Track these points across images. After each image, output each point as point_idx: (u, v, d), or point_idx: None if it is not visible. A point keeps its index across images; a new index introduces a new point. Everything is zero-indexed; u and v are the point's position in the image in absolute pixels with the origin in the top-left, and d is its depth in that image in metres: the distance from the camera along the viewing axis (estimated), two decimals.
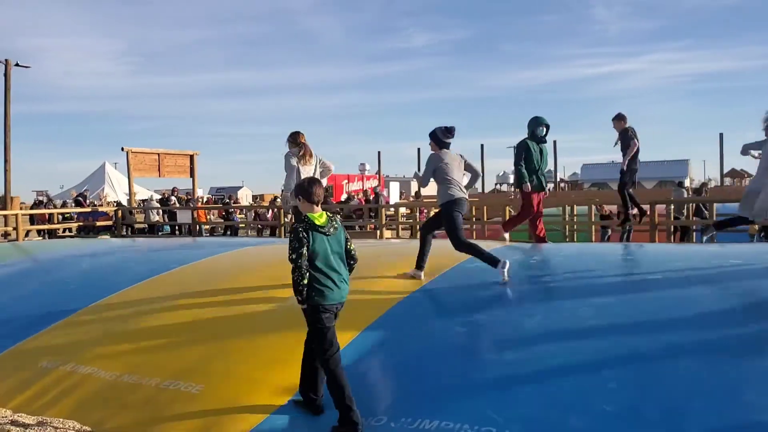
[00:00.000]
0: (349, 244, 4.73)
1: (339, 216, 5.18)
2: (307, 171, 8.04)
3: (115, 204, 29.06)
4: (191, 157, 25.00)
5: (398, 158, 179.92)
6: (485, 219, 16.51)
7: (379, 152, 35.93)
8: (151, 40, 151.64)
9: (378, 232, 17.19)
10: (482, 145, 38.79)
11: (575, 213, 17.32)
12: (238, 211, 23.58)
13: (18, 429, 4.61)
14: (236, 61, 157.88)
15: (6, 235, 19.48)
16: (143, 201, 28.79)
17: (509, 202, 17.47)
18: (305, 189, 4.60)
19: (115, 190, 41.20)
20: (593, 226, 16.06)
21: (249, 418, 4.57)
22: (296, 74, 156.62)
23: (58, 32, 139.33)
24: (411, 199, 37.35)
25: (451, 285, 6.75)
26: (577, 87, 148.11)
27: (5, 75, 29.85)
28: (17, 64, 30.57)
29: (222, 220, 24.55)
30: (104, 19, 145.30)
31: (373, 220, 18.41)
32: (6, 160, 29.23)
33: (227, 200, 34.03)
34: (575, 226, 17.10)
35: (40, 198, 35.13)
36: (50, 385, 5.49)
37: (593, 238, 15.97)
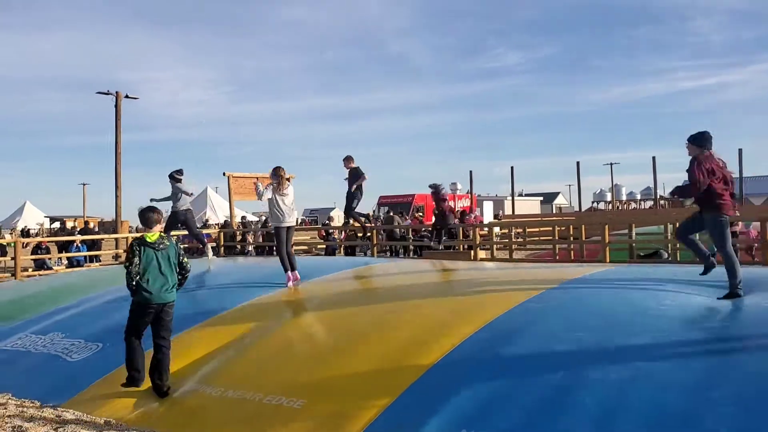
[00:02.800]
0: (182, 258, 6.06)
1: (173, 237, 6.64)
2: (286, 198, 9.49)
3: (218, 226, 30.19)
4: (287, 180, 25.68)
5: (491, 177, 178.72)
6: (583, 238, 16.13)
7: (470, 171, 35.69)
8: (247, 69, 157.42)
9: (472, 252, 17.08)
10: (578, 163, 37.73)
11: None
12: (336, 232, 24.04)
13: None
14: (328, 86, 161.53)
15: (117, 257, 20.58)
16: (243, 223, 29.78)
17: (608, 220, 17.01)
18: (141, 215, 6.13)
19: (216, 213, 42.82)
20: None
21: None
22: (386, 97, 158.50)
23: (160, 65, 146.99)
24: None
25: None
26: (675, 100, 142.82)
27: (116, 106, 31.72)
28: (127, 96, 32.48)
29: (322, 241, 25.03)
30: (203, 50, 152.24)
31: (467, 240, 18.32)
32: (117, 186, 30.95)
33: (326, 221, 34.68)
34: (678, 245, 16.45)
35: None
36: (161, 400, 5.77)
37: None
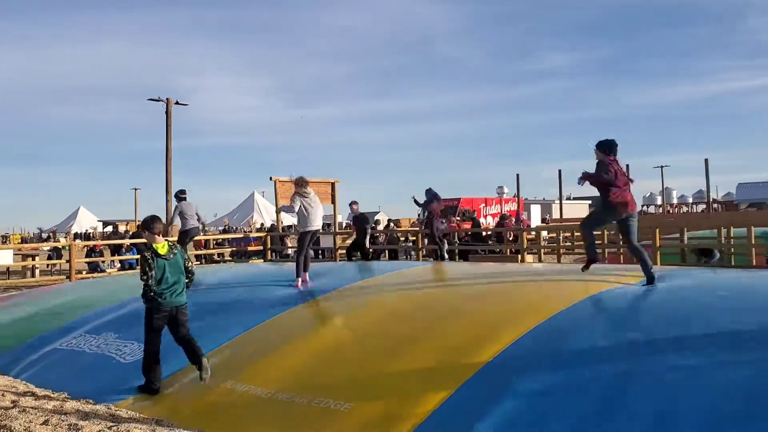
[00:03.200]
0: (188, 263, 6.62)
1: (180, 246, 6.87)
2: (312, 202, 9.95)
3: (265, 230, 30.55)
4: (332, 184, 25.88)
5: (538, 181, 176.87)
6: None
7: (517, 175, 35.41)
8: (297, 76, 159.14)
9: (519, 256, 16.92)
10: (627, 165, 36.99)
11: (731, 235, 16.21)
12: (382, 236, 24.09)
13: None
14: (378, 92, 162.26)
15: None
16: (288, 227, 30.07)
17: (659, 224, 16.66)
18: (148, 224, 6.53)
19: (263, 217, 43.37)
20: (753, 249, 14.94)
21: None
22: (434, 101, 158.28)
23: (212, 72, 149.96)
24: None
25: None
26: (729, 101, 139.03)
27: (167, 113, 32.42)
28: (177, 102, 33.16)
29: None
30: (253, 58, 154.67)
31: (514, 244, 18.15)
32: (167, 191, 31.60)
33: (373, 225, 34.82)
34: (732, 249, 16.01)
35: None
36: (212, 401, 5.86)
37: (754, 261, 14.84)
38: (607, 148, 7.75)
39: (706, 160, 35.62)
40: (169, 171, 31.92)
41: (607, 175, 7.55)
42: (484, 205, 41.43)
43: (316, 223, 9.95)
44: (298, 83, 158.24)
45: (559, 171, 39.72)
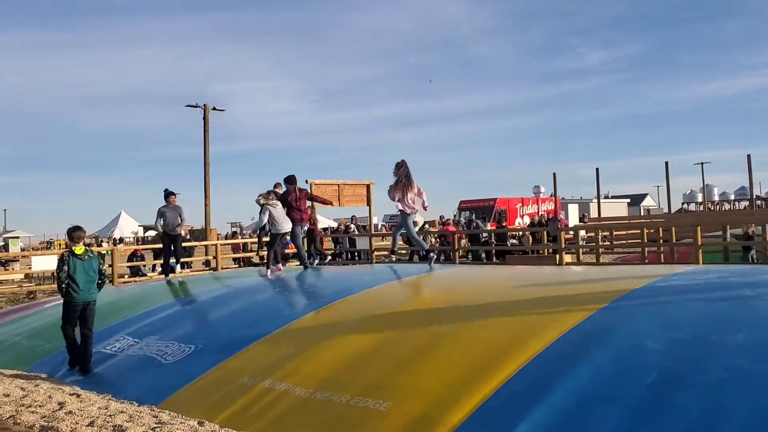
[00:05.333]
0: (102, 266, 7.87)
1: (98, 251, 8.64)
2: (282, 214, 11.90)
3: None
4: (368, 186, 25.93)
5: (575, 179, 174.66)
6: (674, 240, 15.54)
7: (554, 174, 35.03)
8: (331, 79, 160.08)
9: (557, 256, 16.73)
10: (667, 163, 36.18)
11: None
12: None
13: None
14: (410, 92, 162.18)
15: (207, 263, 21.23)
16: (323, 229, 30.25)
17: (700, 222, 16.34)
18: (69, 234, 7.87)
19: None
20: None
21: None
22: (467, 100, 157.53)
23: (246, 76, 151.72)
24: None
25: None
26: None
27: (204, 118, 32.86)
28: (214, 108, 33.59)
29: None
30: (287, 61, 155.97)
31: (552, 244, 17.96)
32: (206, 195, 32.03)
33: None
34: None
35: (234, 229, 38.04)
36: (251, 401, 5.90)
37: None
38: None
39: (749, 156, 34.82)
40: (208, 175, 32.33)
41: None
42: (520, 204, 41.09)
43: (286, 227, 11.94)
44: (330, 86, 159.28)
45: (597, 169, 39.23)
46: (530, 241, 22.76)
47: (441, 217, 27.12)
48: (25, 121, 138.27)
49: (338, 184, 25.63)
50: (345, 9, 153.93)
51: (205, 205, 32.02)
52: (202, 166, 32.50)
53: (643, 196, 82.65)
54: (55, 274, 7.84)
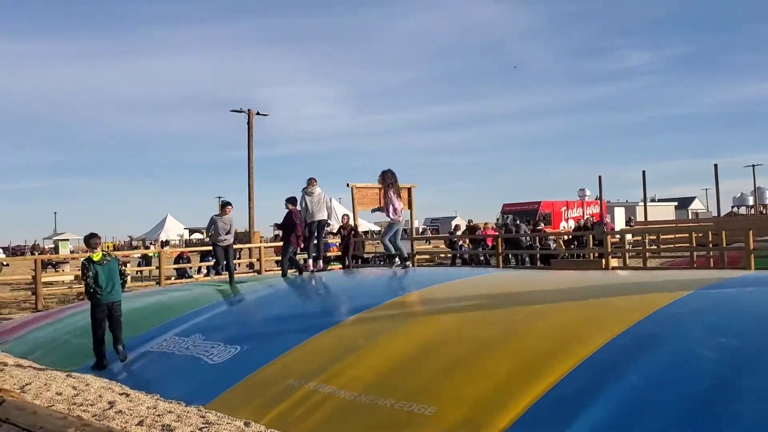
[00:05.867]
0: (122, 268, 8.50)
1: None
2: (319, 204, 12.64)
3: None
4: (409, 189, 25.93)
5: (621, 182, 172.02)
6: (723, 245, 15.17)
7: (599, 177, 34.51)
8: (371, 82, 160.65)
9: (603, 261, 16.47)
10: (716, 165, 35.39)
11: None
12: (462, 241, 23.84)
13: None
14: (449, 95, 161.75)
15: (251, 266, 21.49)
16: (365, 232, 30.30)
17: (752, 225, 15.92)
18: (86, 241, 8.57)
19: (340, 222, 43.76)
20: None
21: None
22: (508, 102, 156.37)
23: (288, 81, 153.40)
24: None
25: None
26: None
27: (248, 123, 33.31)
28: (258, 113, 34.03)
29: (449, 250, 25.03)
30: (328, 66, 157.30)
31: (597, 248, 17.69)
32: (250, 199, 32.46)
33: (452, 231, 34.79)
34: None
35: (277, 232, 38.37)
36: (297, 403, 5.93)
37: None
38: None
39: None
40: (251, 179, 32.75)
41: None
42: (565, 208, 40.62)
43: (318, 216, 12.47)
44: (370, 89, 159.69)
45: (643, 172, 38.58)
46: (564, 246, 22.43)
47: (469, 221, 26.85)
48: (77, 127, 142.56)
49: (379, 188, 25.74)
50: (385, 14, 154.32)
51: (249, 208, 32.45)
52: (245, 169, 32.94)
53: (691, 200, 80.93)
54: (82, 278, 8.30)
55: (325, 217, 12.69)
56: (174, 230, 63.05)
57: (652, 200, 55.93)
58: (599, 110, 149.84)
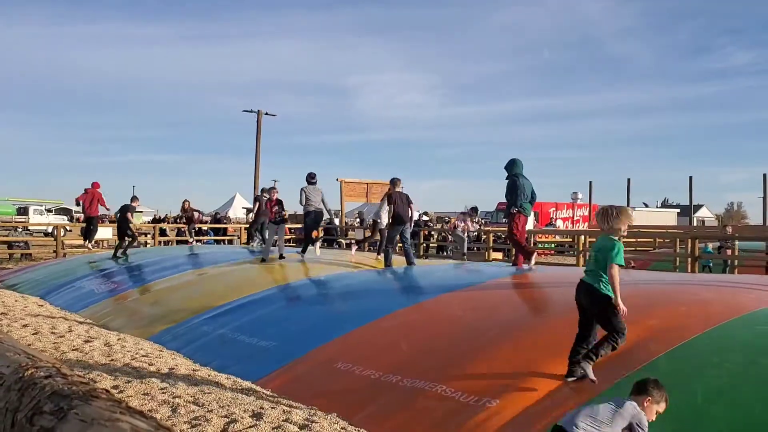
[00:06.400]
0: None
1: None
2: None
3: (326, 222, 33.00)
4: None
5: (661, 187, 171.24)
6: (654, 249, 16.33)
7: (590, 182, 35.88)
8: (462, 73, 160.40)
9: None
10: (765, 174, 34.78)
11: None
12: None
13: None
14: (543, 88, 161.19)
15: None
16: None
17: None
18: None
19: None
20: None
21: None
22: (603, 98, 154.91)
23: (380, 69, 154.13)
24: None
25: None
26: None
27: (257, 122, 35.08)
28: (267, 113, 35.92)
29: None
30: (419, 56, 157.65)
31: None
32: (255, 188, 34.03)
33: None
34: None
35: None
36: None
37: None
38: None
39: None
40: (257, 170, 34.36)
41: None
42: (554, 209, 42.00)
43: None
44: (462, 80, 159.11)
45: (628, 180, 39.83)
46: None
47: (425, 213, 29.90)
48: (168, 105, 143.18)
49: (367, 183, 27.85)
50: (481, 5, 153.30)
51: (254, 199, 33.83)
52: (253, 164, 34.17)
53: (698, 207, 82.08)
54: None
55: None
56: (240, 209, 63.00)
57: (664, 205, 55.10)
58: (699, 109, 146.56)
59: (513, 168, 11.09)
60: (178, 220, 28.91)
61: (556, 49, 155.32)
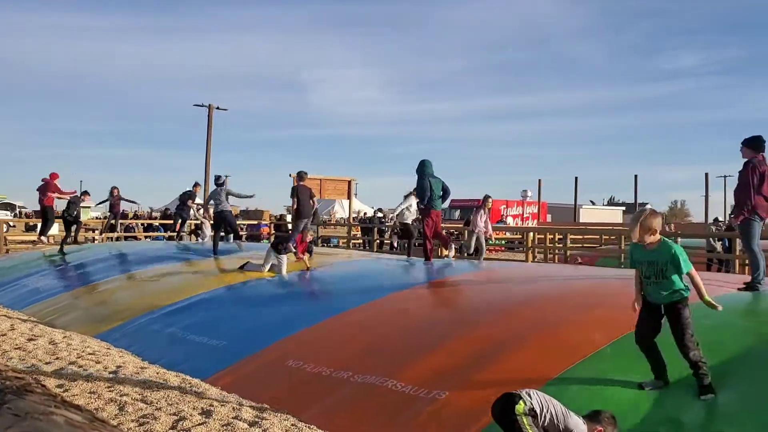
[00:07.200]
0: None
1: None
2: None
3: (277, 218, 32.86)
4: (349, 182, 27.90)
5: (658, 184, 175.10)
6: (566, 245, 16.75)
7: (539, 180, 36.55)
8: (418, 71, 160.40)
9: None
10: (707, 174, 36.09)
11: None
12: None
13: None
14: (499, 87, 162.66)
15: None
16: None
17: None
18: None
19: (344, 208, 44.64)
20: None
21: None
22: (555, 98, 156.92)
23: (335, 65, 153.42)
24: None
25: None
26: None
27: (208, 117, 34.86)
28: (218, 108, 35.62)
29: None
30: (377, 52, 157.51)
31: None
32: (206, 185, 33.67)
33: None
34: None
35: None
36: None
37: None
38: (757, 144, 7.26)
39: None
40: (208, 166, 33.96)
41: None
42: (504, 206, 42.52)
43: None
44: (418, 77, 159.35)
45: (576, 178, 40.69)
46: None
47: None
48: (121, 99, 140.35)
49: (320, 179, 27.97)
50: (438, 3, 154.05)
51: (205, 192, 33.43)
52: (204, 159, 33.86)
53: (643, 205, 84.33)
54: None
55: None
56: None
57: (611, 203, 56.62)
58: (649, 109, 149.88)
59: (422, 169, 12.41)
60: (105, 208, 24.27)
61: (518, 48, 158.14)
